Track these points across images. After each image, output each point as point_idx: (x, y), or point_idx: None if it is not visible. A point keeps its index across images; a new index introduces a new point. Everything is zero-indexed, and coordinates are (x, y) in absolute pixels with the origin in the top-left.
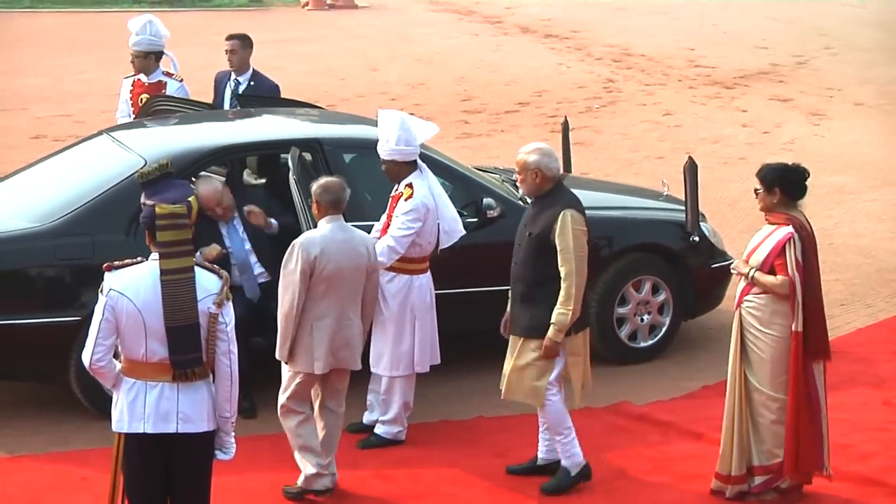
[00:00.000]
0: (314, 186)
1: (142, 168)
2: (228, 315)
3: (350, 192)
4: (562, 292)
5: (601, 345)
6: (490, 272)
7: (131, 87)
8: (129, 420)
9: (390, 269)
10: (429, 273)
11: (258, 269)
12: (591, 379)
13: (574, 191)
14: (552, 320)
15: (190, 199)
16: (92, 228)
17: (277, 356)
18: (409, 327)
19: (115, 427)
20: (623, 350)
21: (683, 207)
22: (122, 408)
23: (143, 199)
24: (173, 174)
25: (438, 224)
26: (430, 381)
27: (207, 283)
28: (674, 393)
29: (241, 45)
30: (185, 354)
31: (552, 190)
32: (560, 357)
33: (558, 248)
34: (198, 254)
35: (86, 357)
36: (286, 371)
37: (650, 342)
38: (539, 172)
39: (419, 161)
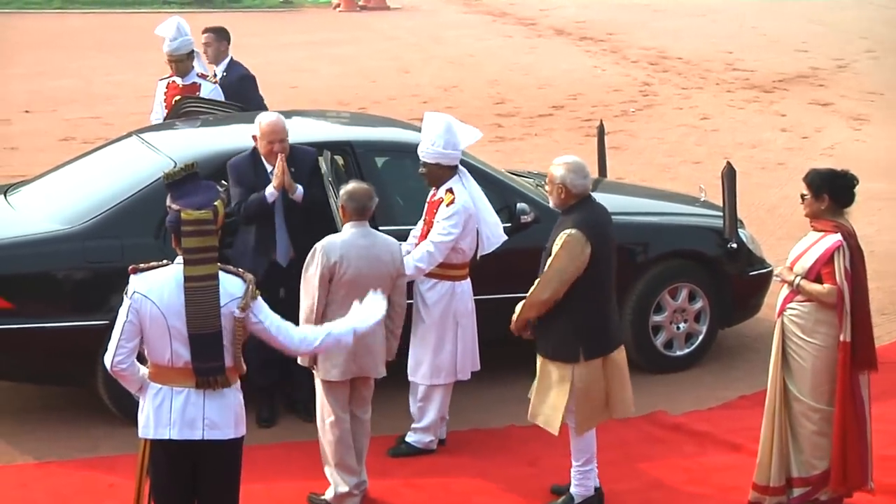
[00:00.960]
0: (341, 192)
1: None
2: (261, 313)
3: (378, 198)
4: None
5: (637, 353)
6: (523, 278)
7: (165, 90)
8: (155, 426)
9: (431, 275)
10: (469, 279)
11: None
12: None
13: (609, 196)
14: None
15: (216, 203)
16: (121, 231)
17: (300, 362)
18: (451, 334)
19: (140, 433)
20: (659, 359)
21: (721, 213)
22: (149, 413)
23: (168, 202)
24: (199, 175)
25: (478, 229)
26: (463, 388)
27: (231, 287)
28: (710, 402)
29: (216, 37)
30: (207, 362)
31: (575, 206)
32: (580, 383)
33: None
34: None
35: (108, 359)
36: (317, 382)
37: (686, 351)
38: (563, 188)
39: (460, 166)
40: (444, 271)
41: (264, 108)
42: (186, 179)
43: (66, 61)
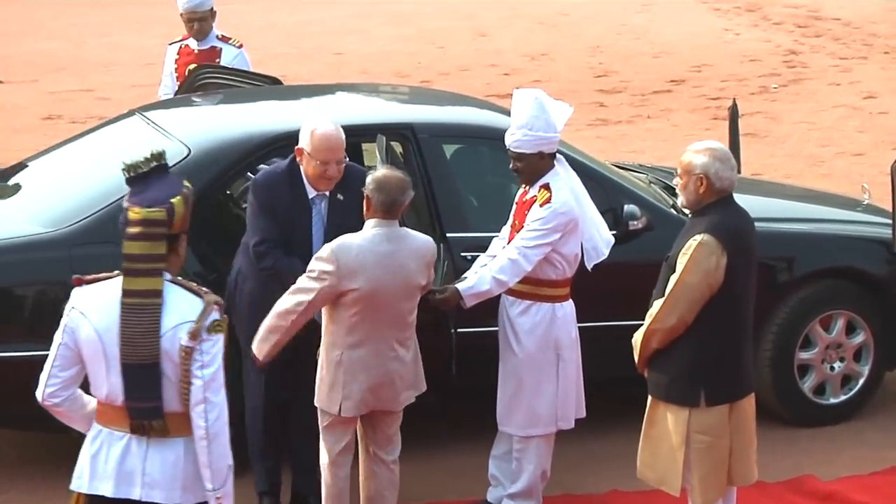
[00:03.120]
0: (368, 178)
1: (132, 161)
2: (209, 352)
3: (413, 192)
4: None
5: (777, 400)
6: (631, 302)
7: (177, 56)
8: (90, 477)
9: (522, 295)
10: (571, 301)
11: None
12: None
13: (743, 197)
14: None
15: (174, 200)
16: (117, 236)
17: (252, 347)
18: (552, 371)
19: (73, 485)
20: (806, 407)
21: (889, 221)
22: (84, 461)
23: (124, 202)
24: (168, 168)
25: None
26: (560, 438)
27: (183, 307)
28: (873, 466)
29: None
30: (142, 402)
31: (714, 205)
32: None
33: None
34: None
35: (39, 389)
36: (319, 412)
37: (843, 398)
38: (705, 180)
39: (558, 154)
40: (539, 290)
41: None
42: (151, 173)
43: (51, 18)
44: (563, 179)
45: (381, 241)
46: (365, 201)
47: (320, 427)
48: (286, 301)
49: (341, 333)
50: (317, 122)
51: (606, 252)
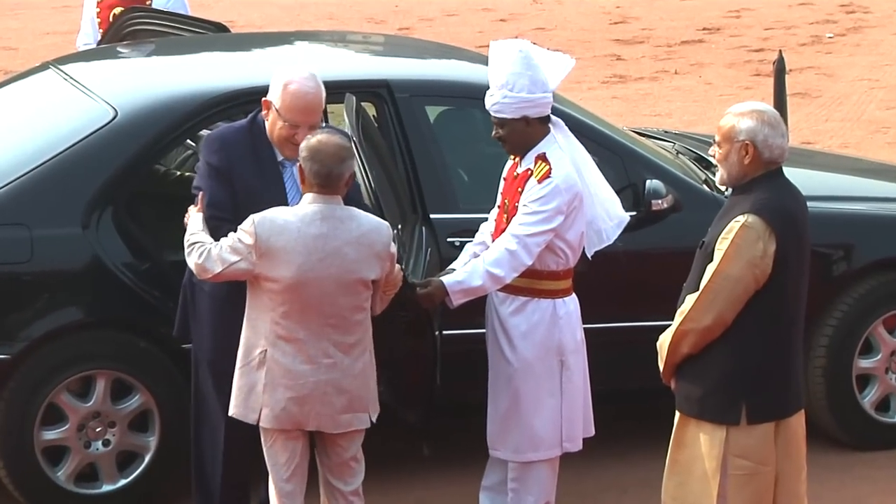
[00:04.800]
0: (302, 144)
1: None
2: None
3: (354, 161)
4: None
5: (832, 417)
6: (654, 297)
7: None
8: None
9: (516, 290)
10: (574, 295)
11: None
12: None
13: (791, 171)
14: None
15: None
16: (29, 217)
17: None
18: (555, 381)
19: None
20: (868, 426)
21: None
22: None
23: None
24: None
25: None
26: (564, 464)
27: None
28: None
29: None
30: None
31: (759, 180)
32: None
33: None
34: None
35: None
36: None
37: None
38: (752, 149)
39: (554, 117)
40: (537, 283)
41: None
42: None
43: None
44: (562, 148)
45: (314, 220)
46: (298, 171)
47: (264, 449)
48: (201, 254)
49: (264, 326)
50: (292, 73)
51: (614, 236)
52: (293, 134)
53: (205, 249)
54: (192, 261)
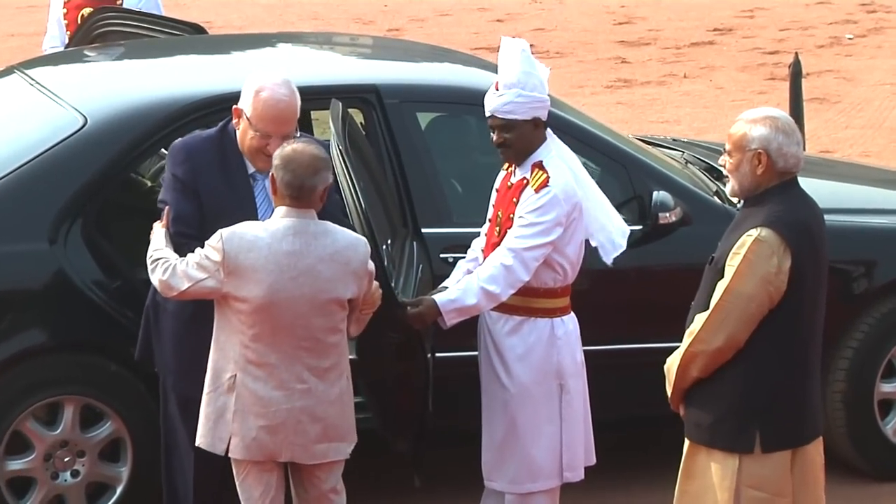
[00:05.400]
0: (276, 153)
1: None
2: None
3: (331, 174)
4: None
5: (852, 446)
6: (661, 317)
7: None
8: None
9: (511, 309)
10: (573, 314)
11: None
12: None
13: (808, 181)
14: None
15: None
16: None
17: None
18: (554, 407)
19: None
20: (890, 454)
21: None
22: None
23: None
24: None
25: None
26: (565, 495)
27: None
28: None
29: None
30: None
31: (773, 191)
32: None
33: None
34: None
35: None
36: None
37: None
38: (765, 158)
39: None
40: (533, 302)
41: None
42: None
43: None
44: (558, 156)
45: (286, 235)
46: (270, 182)
47: (237, 482)
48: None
49: (233, 349)
50: (265, 79)
51: (625, 243)
52: (265, 144)
53: (169, 265)
54: (155, 277)
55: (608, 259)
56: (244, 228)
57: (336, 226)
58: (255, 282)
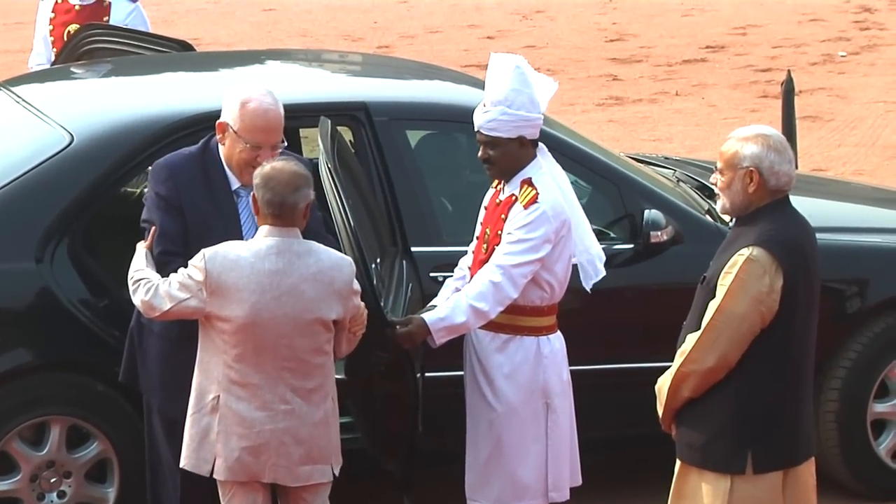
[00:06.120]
0: (256, 171)
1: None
2: None
3: (312, 190)
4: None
5: (845, 467)
6: (652, 337)
7: (52, 14)
8: None
9: (497, 327)
10: (559, 333)
11: None
12: None
13: (801, 200)
14: None
15: None
16: None
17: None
18: (540, 426)
19: None
20: (883, 475)
21: None
22: None
23: None
24: None
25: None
26: None
27: None
28: None
29: None
30: None
31: (765, 210)
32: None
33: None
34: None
35: None
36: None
37: None
38: (757, 177)
39: (539, 143)
40: (519, 320)
41: None
42: None
43: None
44: (548, 174)
45: (269, 254)
46: (251, 200)
47: (222, 503)
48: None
49: (217, 369)
50: (248, 91)
51: (604, 270)
52: (255, 156)
53: (152, 286)
54: (137, 298)
55: (588, 285)
56: (227, 248)
57: (320, 245)
58: (238, 301)
